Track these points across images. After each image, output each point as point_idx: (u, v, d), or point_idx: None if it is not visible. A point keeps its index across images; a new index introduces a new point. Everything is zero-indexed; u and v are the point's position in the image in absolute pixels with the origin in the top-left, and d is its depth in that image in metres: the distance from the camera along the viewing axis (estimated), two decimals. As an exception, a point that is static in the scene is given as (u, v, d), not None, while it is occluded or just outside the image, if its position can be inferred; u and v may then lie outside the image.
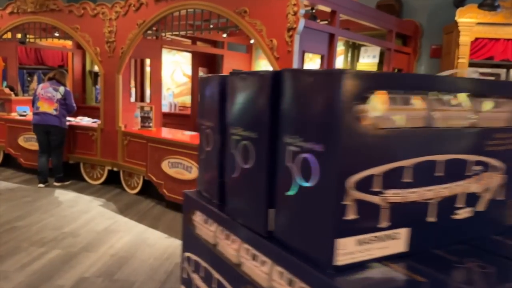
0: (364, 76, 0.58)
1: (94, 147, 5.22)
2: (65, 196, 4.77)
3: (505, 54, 4.95)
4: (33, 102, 5.07)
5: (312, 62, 6.18)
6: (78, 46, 7.27)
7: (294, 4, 3.57)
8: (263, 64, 6.87)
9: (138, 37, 4.75)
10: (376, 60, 5.79)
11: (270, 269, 0.69)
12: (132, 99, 5.81)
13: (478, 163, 0.74)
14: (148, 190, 4.79)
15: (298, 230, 0.65)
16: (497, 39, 4.94)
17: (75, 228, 3.77)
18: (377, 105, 0.59)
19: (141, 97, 6.76)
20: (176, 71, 8.03)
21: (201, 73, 7.28)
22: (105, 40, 4.99)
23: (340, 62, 5.99)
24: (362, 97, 0.57)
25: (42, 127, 4.96)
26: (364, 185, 0.59)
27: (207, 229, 0.92)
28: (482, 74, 4.99)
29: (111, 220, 4.03)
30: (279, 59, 3.71)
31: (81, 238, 3.54)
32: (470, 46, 4.90)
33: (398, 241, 0.64)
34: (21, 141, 5.63)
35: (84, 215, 4.14)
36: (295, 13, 3.57)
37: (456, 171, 0.71)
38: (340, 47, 5.72)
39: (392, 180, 0.62)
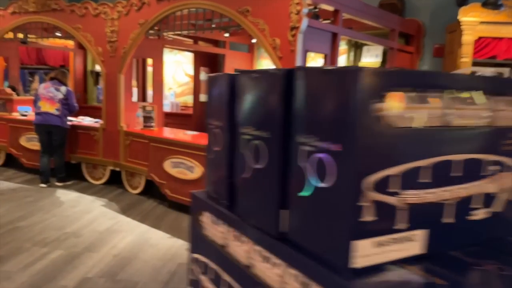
0: (382, 73, 0.57)
1: (96, 147, 5.22)
2: (67, 196, 4.76)
3: (508, 53, 4.93)
4: (35, 102, 5.06)
5: (314, 62, 6.16)
6: (80, 46, 7.26)
7: (297, 3, 3.55)
8: (265, 64, 6.86)
9: (140, 36, 4.73)
10: (379, 59, 5.77)
11: (283, 272, 0.67)
12: (134, 99, 5.79)
13: (494, 163, 0.72)
14: (150, 190, 4.77)
15: (312, 232, 0.63)
16: (500, 38, 4.91)
17: (77, 228, 3.76)
18: (394, 103, 0.57)
19: (142, 97, 6.75)
20: (177, 71, 8.01)
21: (203, 72, 7.27)
22: (107, 40, 4.97)
23: (342, 62, 5.98)
24: (380, 95, 0.56)
25: (44, 127, 4.95)
26: (381, 186, 0.58)
27: (215, 230, 0.90)
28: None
29: (114, 220, 4.02)
30: (282, 59, 3.70)
31: (84, 238, 3.53)
32: (474, 45, 4.88)
33: (415, 243, 0.63)
34: (23, 141, 5.63)
35: (86, 215, 4.13)
36: (298, 12, 3.55)
37: (472, 171, 0.69)
38: (342, 47, 5.71)
39: (409, 180, 0.60)
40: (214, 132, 0.93)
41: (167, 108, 7.05)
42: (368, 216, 0.57)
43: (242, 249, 0.80)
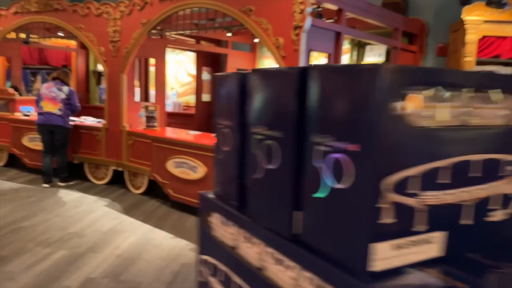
0: (401, 71, 0.55)
1: (99, 147, 5.21)
2: (69, 196, 4.75)
3: (512, 52, 4.90)
4: (37, 102, 5.05)
5: (317, 61, 6.14)
6: (82, 46, 7.26)
7: (301, 2, 3.53)
8: (267, 63, 6.84)
9: (142, 36, 4.72)
10: (382, 58, 5.75)
11: (297, 274, 0.66)
12: (137, 98, 5.78)
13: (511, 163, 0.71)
14: (153, 190, 4.76)
15: (328, 234, 0.62)
16: (504, 37, 4.89)
17: (80, 228, 3.75)
18: (414, 102, 0.56)
19: (145, 96, 6.75)
20: (179, 71, 8.00)
21: (205, 72, 7.25)
22: (109, 40, 4.96)
23: (345, 61, 5.95)
24: (399, 94, 0.55)
25: (46, 127, 4.94)
26: (400, 187, 0.56)
27: (225, 231, 0.89)
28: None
29: (116, 220, 4.01)
30: (286, 58, 3.68)
31: (87, 238, 3.52)
32: (477, 44, 4.86)
33: (433, 245, 0.61)
34: (25, 141, 5.62)
35: (89, 215, 4.12)
36: (301, 11, 3.53)
37: (490, 172, 0.68)
38: (345, 46, 5.67)
39: (428, 181, 0.59)
40: (223, 131, 0.91)
41: (169, 108, 7.03)
42: (387, 218, 0.56)
43: (253, 250, 0.78)
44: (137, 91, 6.07)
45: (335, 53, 4.00)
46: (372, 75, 0.53)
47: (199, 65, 7.20)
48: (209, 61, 7.19)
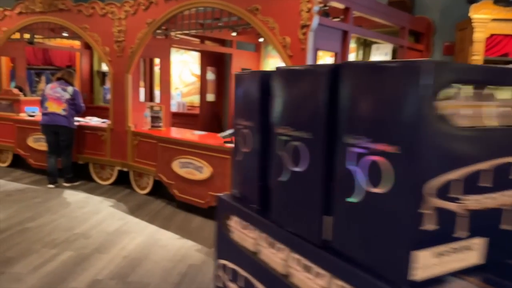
0: (446, 68, 0.52)
1: (104, 147, 5.19)
2: (75, 196, 4.74)
3: (520, 51, 4.85)
4: (42, 103, 5.03)
5: (322, 60, 6.11)
6: (86, 46, 7.25)
7: (308, 1, 3.50)
8: (272, 63, 6.80)
9: (147, 36, 4.70)
10: (388, 57, 5.71)
11: (327, 283, 0.63)
12: (141, 99, 5.76)
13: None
14: (159, 191, 4.74)
15: (362, 241, 0.59)
16: (512, 36, 4.84)
17: (86, 229, 3.73)
18: (457, 101, 0.53)
19: (150, 97, 6.73)
20: (184, 71, 7.98)
21: (209, 72, 7.23)
22: (114, 40, 4.94)
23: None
24: (442, 92, 0.51)
25: (51, 128, 4.93)
26: (442, 191, 0.53)
27: (245, 235, 0.86)
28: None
29: (122, 221, 3.98)
30: (293, 57, 3.65)
31: (93, 239, 3.50)
32: (485, 43, 4.81)
33: (474, 252, 0.58)
34: (30, 141, 5.61)
35: (95, 215, 4.10)
36: (309, 10, 3.50)
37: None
38: (351, 45, 5.64)
39: (469, 185, 0.56)
40: (243, 132, 0.88)
41: (173, 108, 7.01)
42: (429, 224, 0.52)
43: (277, 256, 0.75)
44: (142, 91, 6.06)
45: (342, 52, 3.97)
46: (414, 72, 0.50)
47: (204, 65, 7.17)
48: (214, 61, 7.16)
